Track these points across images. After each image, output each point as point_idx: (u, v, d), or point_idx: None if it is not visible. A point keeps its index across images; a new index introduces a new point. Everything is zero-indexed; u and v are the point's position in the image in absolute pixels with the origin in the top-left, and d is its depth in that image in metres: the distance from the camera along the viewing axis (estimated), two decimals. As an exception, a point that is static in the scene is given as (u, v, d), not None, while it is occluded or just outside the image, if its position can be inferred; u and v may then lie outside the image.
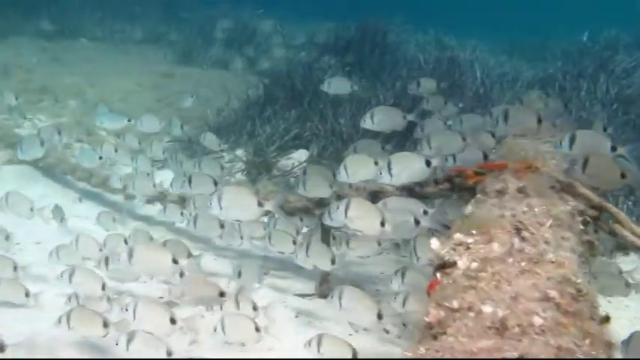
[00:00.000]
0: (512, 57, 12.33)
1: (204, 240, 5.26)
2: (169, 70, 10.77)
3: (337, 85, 6.10)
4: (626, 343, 2.77)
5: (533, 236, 2.34)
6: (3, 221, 4.78)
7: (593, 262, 3.15)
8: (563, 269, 2.08)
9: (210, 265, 4.91)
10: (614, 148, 3.37)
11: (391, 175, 3.61)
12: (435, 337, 1.77)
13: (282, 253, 4.35)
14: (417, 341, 1.85)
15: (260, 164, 6.96)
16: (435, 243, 2.41)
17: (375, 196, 4.16)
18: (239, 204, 3.84)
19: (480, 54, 10.27)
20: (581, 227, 2.97)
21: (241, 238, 4.80)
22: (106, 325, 3.39)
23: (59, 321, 3.43)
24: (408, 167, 3.59)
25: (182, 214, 5.06)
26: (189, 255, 4.47)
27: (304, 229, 4.75)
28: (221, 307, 3.80)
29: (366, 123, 4.72)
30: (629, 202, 5.75)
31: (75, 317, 3.39)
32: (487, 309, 1.86)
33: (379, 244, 4.04)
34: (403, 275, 3.74)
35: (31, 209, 4.79)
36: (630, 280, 3.73)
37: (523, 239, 2.32)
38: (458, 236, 2.40)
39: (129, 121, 5.94)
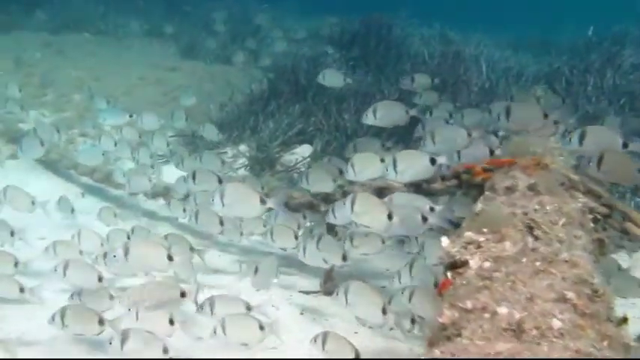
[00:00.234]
0: (517, 51, 12.23)
1: (208, 236, 5.22)
2: (173, 64, 10.71)
3: (331, 78, 6.08)
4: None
5: (546, 235, 2.29)
6: (6, 216, 4.74)
7: (602, 261, 3.10)
8: (578, 269, 2.04)
9: (215, 260, 4.89)
10: (625, 145, 3.31)
11: (396, 172, 3.58)
12: (448, 339, 1.73)
13: (284, 249, 4.31)
14: (429, 341, 1.81)
15: (263, 160, 6.92)
16: (445, 241, 2.37)
17: (380, 192, 4.12)
18: (241, 201, 3.80)
19: (484, 48, 10.18)
20: (592, 225, 2.92)
21: (242, 234, 4.77)
22: (101, 322, 3.35)
23: (53, 318, 3.38)
24: (412, 165, 3.55)
25: (184, 210, 5.03)
26: (192, 249, 4.45)
27: (307, 224, 4.71)
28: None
29: (369, 118, 4.67)
30: (638, 199, 5.69)
31: (69, 315, 3.35)
32: (502, 310, 1.81)
33: (383, 242, 3.99)
34: (411, 268, 3.70)
35: (33, 203, 4.75)
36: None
37: (536, 238, 2.27)
38: (468, 234, 2.35)
39: (130, 116, 5.91)
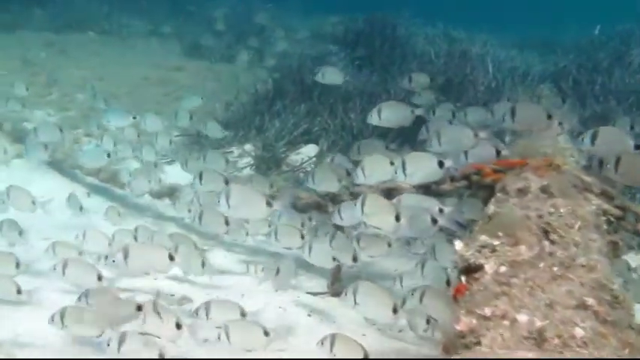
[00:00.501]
0: (522, 51, 12.18)
1: (214, 236, 5.19)
2: (177, 64, 10.68)
3: (330, 76, 6.03)
4: None
5: (562, 239, 2.25)
6: (13, 217, 4.72)
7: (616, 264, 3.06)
8: (596, 273, 1.99)
9: (220, 261, 4.86)
10: (637, 146, 3.27)
11: (405, 175, 3.55)
12: (467, 347, 1.69)
13: (289, 248, 4.27)
14: (444, 347, 1.77)
15: (269, 159, 6.89)
16: (458, 244, 2.33)
17: (389, 193, 4.09)
18: (247, 203, 3.77)
19: (490, 48, 10.13)
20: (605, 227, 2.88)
21: (247, 234, 4.74)
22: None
23: (52, 319, 3.34)
24: (421, 168, 3.52)
25: (189, 210, 5.00)
26: (196, 248, 4.41)
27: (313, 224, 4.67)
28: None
29: (373, 119, 4.63)
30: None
31: (69, 316, 3.30)
32: (522, 318, 1.77)
33: (389, 245, 3.94)
34: (422, 269, 3.67)
35: (33, 202, 4.72)
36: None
37: (552, 242, 2.23)
38: (483, 238, 2.30)
39: (134, 118, 5.89)
